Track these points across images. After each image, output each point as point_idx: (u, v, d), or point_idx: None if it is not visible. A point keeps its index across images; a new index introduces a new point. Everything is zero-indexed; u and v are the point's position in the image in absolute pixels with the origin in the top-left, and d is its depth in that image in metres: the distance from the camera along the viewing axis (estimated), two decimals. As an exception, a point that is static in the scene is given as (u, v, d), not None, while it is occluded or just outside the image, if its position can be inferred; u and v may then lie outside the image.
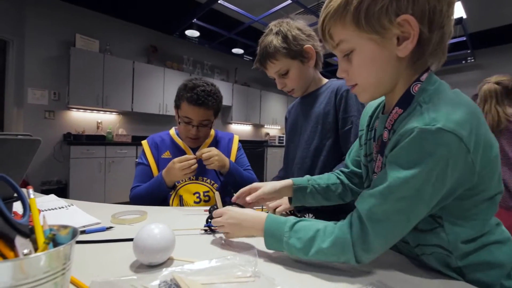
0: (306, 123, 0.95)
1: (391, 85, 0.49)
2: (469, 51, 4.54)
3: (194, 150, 1.12)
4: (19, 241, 0.31)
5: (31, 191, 0.36)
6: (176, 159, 0.96)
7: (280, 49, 0.84)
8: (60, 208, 0.82)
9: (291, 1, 3.17)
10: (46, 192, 1.08)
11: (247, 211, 0.60)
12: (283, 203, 0.83)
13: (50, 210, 0.79)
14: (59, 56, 3.58)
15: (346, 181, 0.71)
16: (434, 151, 0.38)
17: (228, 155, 1.14)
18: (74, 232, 0.36)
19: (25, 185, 0.39)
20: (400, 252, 0.57)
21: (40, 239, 0.33)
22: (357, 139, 0.68)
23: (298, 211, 0.87)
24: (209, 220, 0.66)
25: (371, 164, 0.58)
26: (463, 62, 4.96)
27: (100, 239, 0.60)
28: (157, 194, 1.00)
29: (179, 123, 1.08)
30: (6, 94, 3.20)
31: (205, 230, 0.68)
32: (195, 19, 3.74)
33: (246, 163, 1.20)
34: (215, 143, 1.17)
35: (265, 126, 6.54)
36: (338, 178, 0.73)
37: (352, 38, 0.46)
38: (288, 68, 0.88)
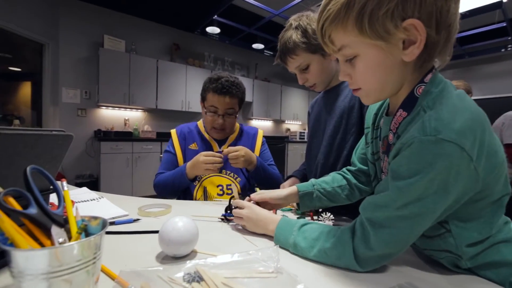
0: (330, 118, 0.92)
1: (396, 89, 0.47)
2: (509, 38, 4.14)
3: (220, 143, 1.14)
4: (55, 230, 0.33)
5: (64, 183, 0.38)
6: (203, 152, 0.98)
7: (299, 44, 0.82)
8: (91, 200, 0.87)
9: (312, -7, 3.09)
10: (80, 185, 1.15)
11: (267, 212, 0.63)
12: None
13: (83, 202, 0.84)
14: (89, 56, 3.79)
15: (353, 180, 0.71)
16: (434, 161, 0.37)
17: (252, 150, 1.15)
18: (104, 223, 0.37)
19: (61, 178, 0.41)
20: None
21: (73, 229, 0.35)
22: (363, 137, 0.67)
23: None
24: (228, 211, 0.71)
25: (378, 163, 0.58)
26: (503, 50, 4.55)
27: (128, 230, 0.62)
28: (178, 184, 1.04)
29: (205, 113, 1.10)
30: (43, 94, 3.45)
31: (222, 219, 0.71)
32: (215, 16, 3.77)
33: (269, 158, 1.21)
34: (240, 137, 1.19)
35: (286, 122, 6.48)
36: (345, 177, 0.73)
37: (355, 44, 0.43)
38: (309, 63, 0.86)
